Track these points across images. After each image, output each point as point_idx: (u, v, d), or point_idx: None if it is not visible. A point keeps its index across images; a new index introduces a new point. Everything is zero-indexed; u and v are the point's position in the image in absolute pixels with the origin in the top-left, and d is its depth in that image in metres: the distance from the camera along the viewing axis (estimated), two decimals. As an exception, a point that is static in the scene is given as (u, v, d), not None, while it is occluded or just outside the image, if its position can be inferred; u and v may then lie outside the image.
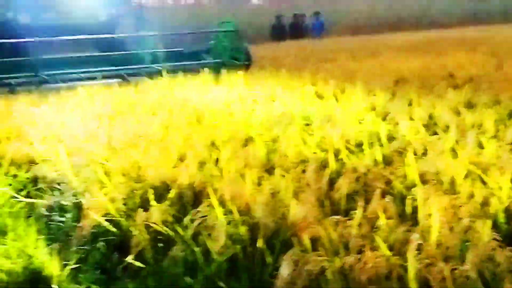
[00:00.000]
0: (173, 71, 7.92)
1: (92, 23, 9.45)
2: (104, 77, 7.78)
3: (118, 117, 5.23)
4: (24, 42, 7.86)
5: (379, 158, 3.66)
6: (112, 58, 8.70)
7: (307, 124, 4.74)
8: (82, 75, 7.80)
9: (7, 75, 7.52)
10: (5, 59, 7.83)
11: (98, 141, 4.47)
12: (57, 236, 3.60)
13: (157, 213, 3.14)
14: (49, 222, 3.74)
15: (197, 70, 8.03)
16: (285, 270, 2.40)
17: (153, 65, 8.48)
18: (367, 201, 2.94)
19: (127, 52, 9.23)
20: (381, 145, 3.93)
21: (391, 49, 13.08)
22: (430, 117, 4.85)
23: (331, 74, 7.72)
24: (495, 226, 2.67)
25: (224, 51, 9.40)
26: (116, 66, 8.37)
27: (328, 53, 11.73)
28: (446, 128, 4.41)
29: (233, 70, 7.96)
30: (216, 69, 8.22)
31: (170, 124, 4.78)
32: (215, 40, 9.66)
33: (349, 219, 2.74)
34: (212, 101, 5.74)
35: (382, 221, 2.66)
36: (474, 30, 21.43)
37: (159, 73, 7.79)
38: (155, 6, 26.05)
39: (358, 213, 2.73)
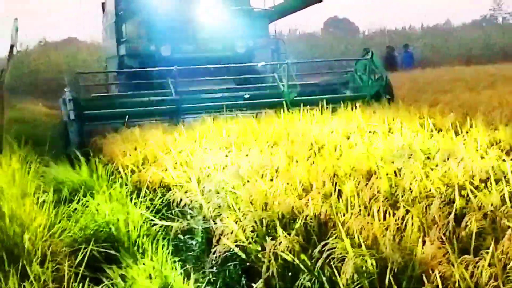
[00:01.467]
0: (308, 103, 7.57)
1: (229, 56, 9.48)
2: (237, 109, 7.68)
3: (243, 146, 5.36)
4: (164, 70, 8.13)
5: (507, 195, 3.49)
6: (246, 90, 8.69)
7: (428, 158, 4.63)
8: (214, 106, 7.82)
9: (146, 107, 7.82)
10: (146, 91, 8.19)
11: (226, 169, 4.61)
12: (189, 258, 3.76)
13: (285, 242, 3.19)
14: (182, 245, 3.91)
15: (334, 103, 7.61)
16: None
17: (286, 98, 8.11)
18: (497, 241, 2.83)
19: (262, 84, 9.06)
20: (508, 182, 3.74)
21: (508, 80, 12.49)
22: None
23: (449, 106, 7.49)
24: None
25: (364, 85, 8.84)
26: (249, 99, 8.32)
27: (444, 84, 11.40)
28: None
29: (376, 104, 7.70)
30: (356, 102, 7.64)
31: (292, 155, 4.85)
32: (354, 72, 9.13)
33: (479, 259, 2.66)
34: (332, 133, 5.75)
35: (516, 263, 2.55)
36: None
37: (289, 105, 7.67)
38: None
39: (489, 253, 2.64)
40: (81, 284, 3.01)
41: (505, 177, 3.92)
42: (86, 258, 3.34)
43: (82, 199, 4.43)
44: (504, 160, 4.28)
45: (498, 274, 2.53)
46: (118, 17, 9.99)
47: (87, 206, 4.32)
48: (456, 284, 2.51)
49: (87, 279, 3.21)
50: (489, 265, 2.60)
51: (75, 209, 4.27)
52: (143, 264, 3.44)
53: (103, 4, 11.83)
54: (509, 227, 3.02)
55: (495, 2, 55.58)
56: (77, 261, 3.34)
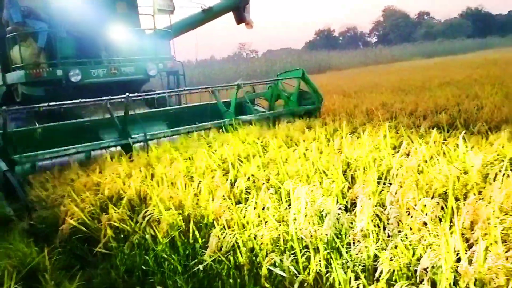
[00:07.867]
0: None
1: (142, 79, 7.10)
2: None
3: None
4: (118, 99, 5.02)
5: (260, 165, 3.77)
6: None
7: (209, 145, 4.74)
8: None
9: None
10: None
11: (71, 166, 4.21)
12: (41, 237, 3.36)
13: (116, 215, 3.04)
14: (35, 230, 3.47)
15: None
16: (212, 243, 2.42)
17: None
18: (257, 194, 3.04)
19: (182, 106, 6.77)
20: (260, 156, 4.03)
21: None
22: (287, 136, 5.01)
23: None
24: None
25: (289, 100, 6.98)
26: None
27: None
28: (297, 142, 4.57)
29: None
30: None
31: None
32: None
33: (248, 205, 2.83)
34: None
35: (270, 205, 2.77)
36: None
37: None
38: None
39: (253, 201, 2.83)
40: None
41: (258, 153, 4.23)
42: None
43: None
44: (257, 144, 4.58)
45: (259, 213, 2.73)
46: (6, 40, 6.37)
47: None
48: (236, 224, 2.64)
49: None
50: (254, 208, 2.79)
51: None
52: (6, 248, 3.01)
53: None
54: (263, 184, 3.29)
55: (241, 43, 61.44)
56: None
